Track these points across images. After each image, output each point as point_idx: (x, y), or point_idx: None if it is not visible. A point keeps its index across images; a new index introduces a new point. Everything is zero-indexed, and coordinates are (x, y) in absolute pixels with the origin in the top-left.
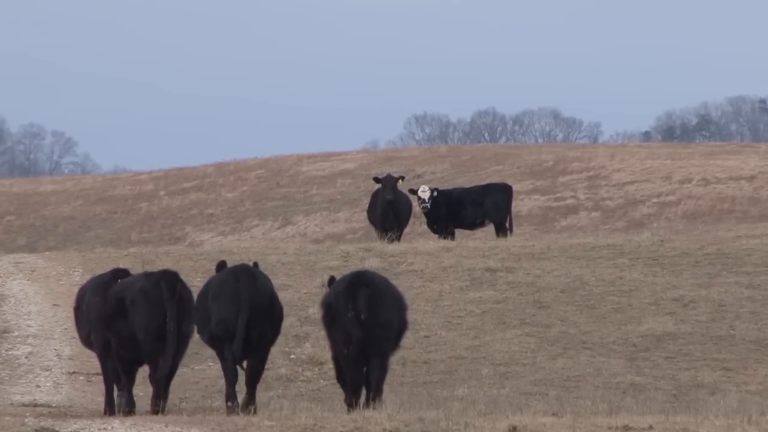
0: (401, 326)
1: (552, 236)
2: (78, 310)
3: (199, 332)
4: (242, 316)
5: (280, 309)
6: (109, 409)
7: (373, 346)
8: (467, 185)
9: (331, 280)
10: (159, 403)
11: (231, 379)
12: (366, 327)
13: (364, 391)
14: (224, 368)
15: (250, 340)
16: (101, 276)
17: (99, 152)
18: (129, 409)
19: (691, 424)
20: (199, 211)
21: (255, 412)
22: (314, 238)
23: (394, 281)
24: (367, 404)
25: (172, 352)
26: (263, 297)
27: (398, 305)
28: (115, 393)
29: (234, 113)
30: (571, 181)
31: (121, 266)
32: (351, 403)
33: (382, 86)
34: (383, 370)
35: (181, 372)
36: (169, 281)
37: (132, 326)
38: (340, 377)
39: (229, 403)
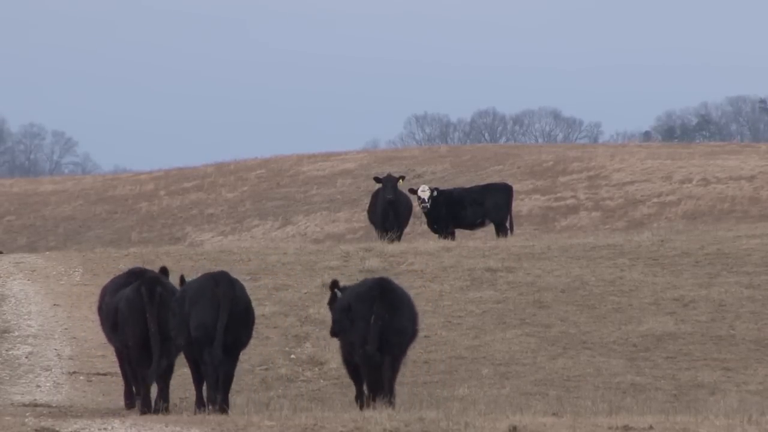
0: (414, 334)
1: (552, 236)
2: (100, 310)
3: (174, 337)
4: (221, 321)
5: (253, 316)
6: (143, 408)
7: (387, 349)
8: (467, 185)
9: (334, 284)
10: (159, 403)
11: (212, 384)
12: (384, 331)
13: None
14: (204, 372)
15: (225, 344)
16: (118, 277)
17: (99, 152)
18: (145, 409)
19: (692, 424)
20: (200, 211)
21: (226, 412)
22: (314, 238)
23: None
24: (373, 400)
25: (158, 352)
26: (240, 303)
27: (412, 314)
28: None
29: (234, 113)
30: (571, 181)
31: (137, 266)
32: (362, 401)
33: (382, 86)
34: (394, 371)
35: (181, 372)
36: (148, 286)
37: (123, 333)
38: (354, 375)
39: (210, 407)
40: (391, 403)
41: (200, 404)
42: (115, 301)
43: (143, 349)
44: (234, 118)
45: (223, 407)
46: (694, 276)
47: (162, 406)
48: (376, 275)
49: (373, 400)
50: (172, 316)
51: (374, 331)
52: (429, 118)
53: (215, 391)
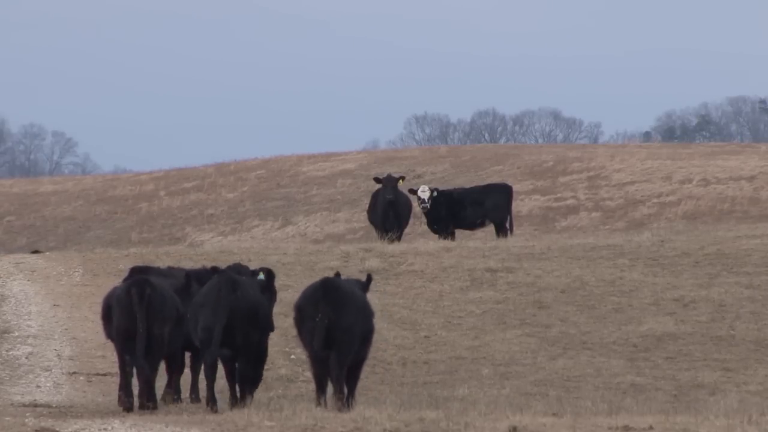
0: (366, 331)
1: (552, 236)
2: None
3: (193, 339)
4: (219, 322)
5: (264, 312)
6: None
7: (332, 346)
8: (467, 185)
9: (336, 276)
10: (144, 402)
11: (209, 383)
12: (329, 329)
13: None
14: (204, 370)
15: (234, 344)
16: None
17: (99, 152)
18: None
19: (692, 424)
20: (200, 212)
21: (234, 407)
22: (314, 239)
23: (394, 281)
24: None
25: (141, 353)
26: (243, 303)
27: (362, 312)
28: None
29: (234, 114)
30: (571, 181)
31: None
32: (318, 397)
33: (382, 86)
34: (340, 368)
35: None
36: (138, 288)
37: (110, 329)
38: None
39: (207, 406)
40: (343, 402)
41: (233, 401)
42: (108, 298)
43: (125, 347)
44: (234, 119)
45: (240, 402)
46: (694, 276)
47: (148, 404)
48: (377, 275)
49: (321, 396)
50: (190, 320)
51: (320, 329)
52: (429, 119)
53: (211, 390)
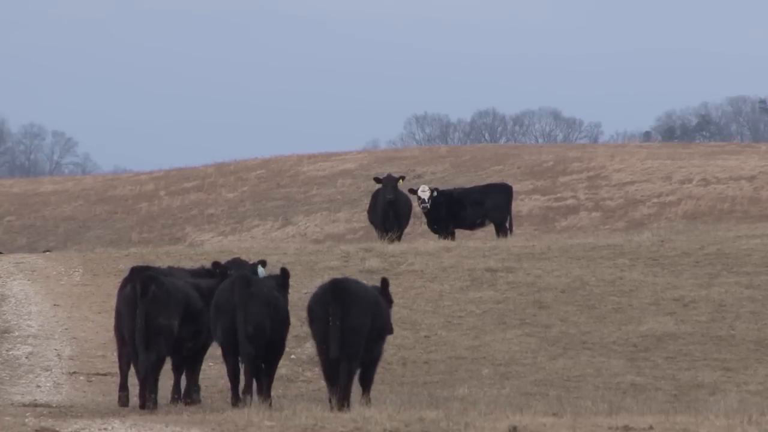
0: (377, 330)
1: (552, 236)
2: None
3: (215, 338)
4: (239, 319)
5: (276, 311)
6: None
7: (341, 348)
8: (467, 185)
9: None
10: (145, 397)
11: (247, 381)
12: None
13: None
14: (227, 368)
15: (253, 341)
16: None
17: (99, 152)
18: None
19: (692, 424)
20: (200, 211)
21: (249, 404)
22: (314, 239)
23: (394, 281)
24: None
25: (142, 345)
26: (258, 301)
27: (373, 310)
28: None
29: (234, 114)
30: (571, 181)
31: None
32: (330, 397)
33: (382, 86)
34: (350, 371)
35: None
36: (142, 283)
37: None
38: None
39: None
40: (344, 405)
41: (236, 400)
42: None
43: (133, 341)
44: (234, 119)
45: (241, 402)
46: (694, 276)
47: (151, 398)
48: (377, 275)
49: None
50: (211, 320)
51: (334, 334)
52: (429, 119)
53: (258, 390)
